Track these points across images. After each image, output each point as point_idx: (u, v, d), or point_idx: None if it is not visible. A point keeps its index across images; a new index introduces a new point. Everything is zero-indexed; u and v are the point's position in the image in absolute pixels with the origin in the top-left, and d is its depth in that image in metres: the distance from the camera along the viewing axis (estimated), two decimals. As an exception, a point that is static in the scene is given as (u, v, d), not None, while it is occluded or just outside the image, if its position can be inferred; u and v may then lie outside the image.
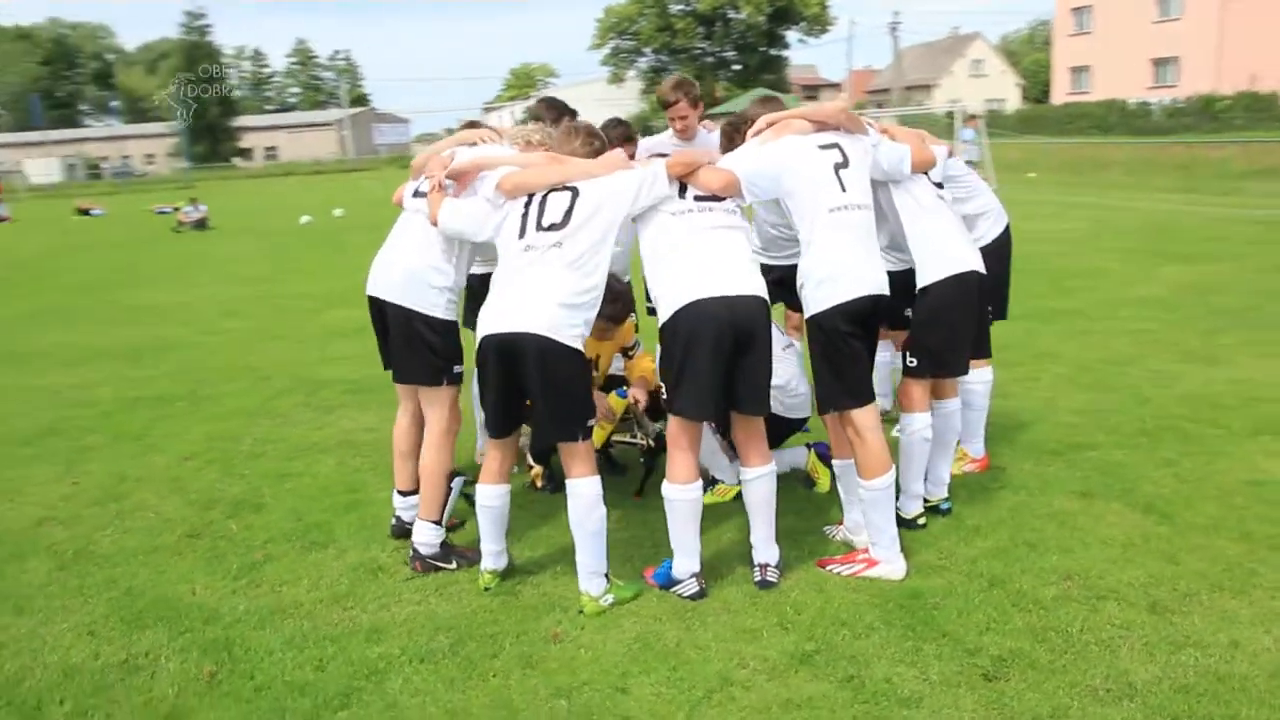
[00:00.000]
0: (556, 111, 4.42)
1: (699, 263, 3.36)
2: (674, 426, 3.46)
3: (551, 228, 3.33)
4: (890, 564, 3.58)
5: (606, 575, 3.49)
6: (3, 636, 3.41)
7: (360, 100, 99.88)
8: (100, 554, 4.05)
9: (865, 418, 3.54)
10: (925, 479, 4.08)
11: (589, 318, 3.34)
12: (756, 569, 3.58)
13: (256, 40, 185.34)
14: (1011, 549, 3.78)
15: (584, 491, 3.38)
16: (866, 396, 3.55)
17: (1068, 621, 3.24)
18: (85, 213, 29.88)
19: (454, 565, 3.75)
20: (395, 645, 3.23)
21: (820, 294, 3.46)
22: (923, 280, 3.84)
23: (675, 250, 3.41)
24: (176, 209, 24.70)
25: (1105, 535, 3.88)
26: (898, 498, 3.95)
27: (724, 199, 3.50)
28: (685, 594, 3.48)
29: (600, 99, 63.57)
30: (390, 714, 2.87)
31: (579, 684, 2.97)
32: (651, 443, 4.42)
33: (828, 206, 3.49)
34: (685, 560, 3.51)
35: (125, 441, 5.67)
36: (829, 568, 3.65)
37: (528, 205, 3.42)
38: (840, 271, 3.46)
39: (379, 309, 3.79)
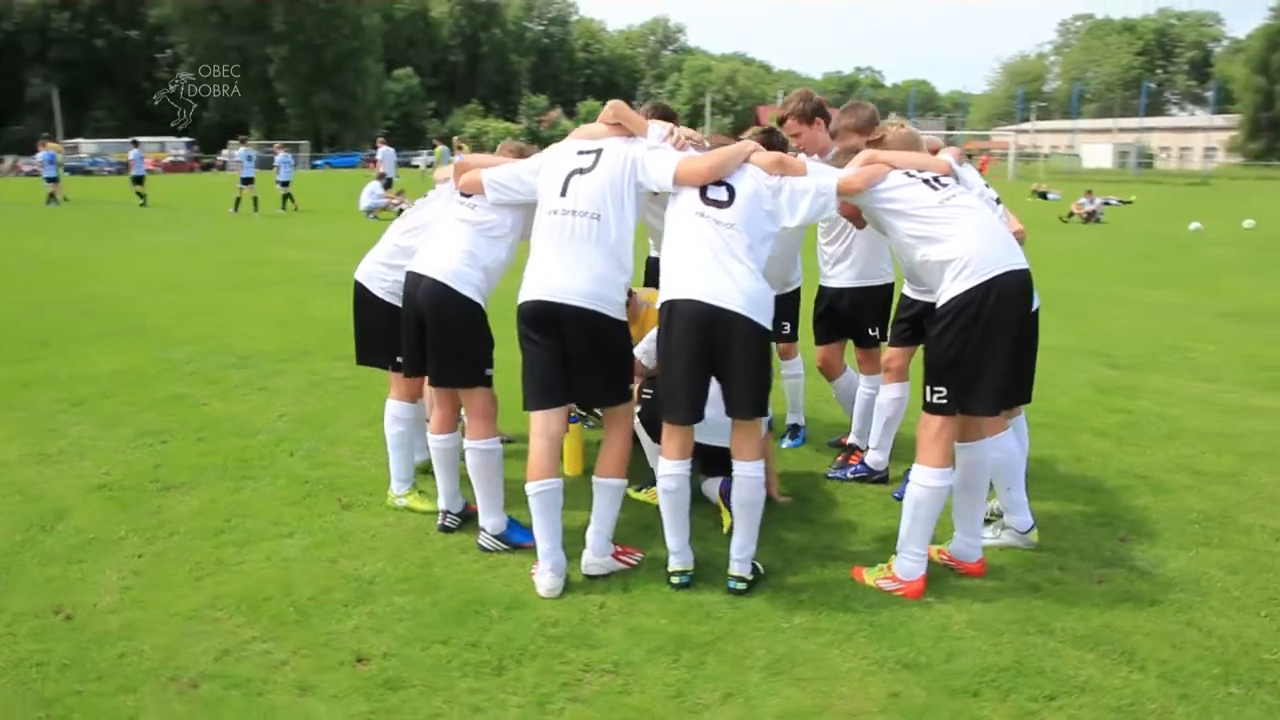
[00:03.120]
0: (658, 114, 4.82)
1: (427, 243, 3.95)
2: None
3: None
4: (539, 575, 3.60)
5: (414, 484, 4.38)
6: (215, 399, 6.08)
7: None
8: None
9: (534, 422, 3.64)
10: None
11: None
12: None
13: None
14: (670, 648, 3.30)
15: (388, 410, 4.35)
16: (539, 403, 3.61)
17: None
18: (1043, 195, 32.23)
19: None
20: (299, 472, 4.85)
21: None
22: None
23: None
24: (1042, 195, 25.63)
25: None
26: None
27: (471, 195, 3.88)
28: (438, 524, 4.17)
29: None
30: (202, 502, 4.56)
31: (282, 532, 4.17)
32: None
33: (546, 209, 3.62)
34: (440, 498, 4.16)
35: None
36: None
37: None
38: (532, 273, 3.60)
39: None
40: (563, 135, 4.49)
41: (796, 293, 5.30)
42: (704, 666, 3.11)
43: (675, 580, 3.63)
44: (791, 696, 2.94)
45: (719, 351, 3.39)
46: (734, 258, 3.40)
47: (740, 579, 3.59)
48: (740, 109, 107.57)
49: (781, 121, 4.72)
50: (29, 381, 6.49)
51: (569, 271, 3.51)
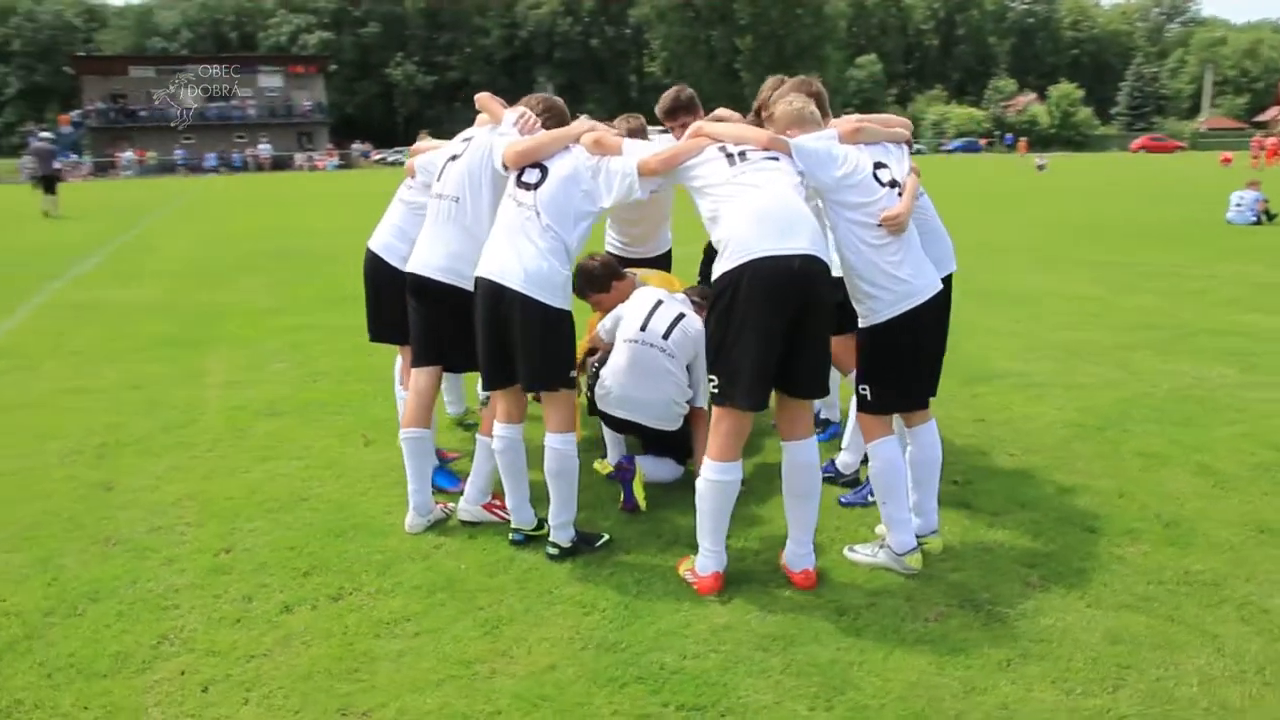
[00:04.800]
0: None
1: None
2: None
3: None
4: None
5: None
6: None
7: None
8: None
9: (410, 377, 4.14)
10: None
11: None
12: None
13: None
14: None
15: (397, 364, 5.06)
16: (414, 361, 4.10)
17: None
18: None
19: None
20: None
21: None
22: None
23: None
24: None
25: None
26: None
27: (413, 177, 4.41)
28: None
29: None
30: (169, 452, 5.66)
31: (296, 455, 5.14)
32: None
33: (430, 193, 4.07)
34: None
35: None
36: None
37: None
38: (415, 247, 4.08)
39: None
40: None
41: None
42: (442, 607, 3.41)
43: (511, 537, 3.91)
44: (467, 644, 3.15)
45: (505, 326, 3.60)
46: (526, 237, 3.57)
47: (555, 545, 3.77)
48: (1260, 86, 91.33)
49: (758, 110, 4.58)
50: (292, 328, 8.35)
51: (432, 248, 3.96)
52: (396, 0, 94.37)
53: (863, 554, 3.70)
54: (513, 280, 3.54)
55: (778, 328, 3.20)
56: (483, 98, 4.05)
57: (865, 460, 3.87)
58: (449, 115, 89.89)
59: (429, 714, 2.80)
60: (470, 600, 3.46)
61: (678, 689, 2.89)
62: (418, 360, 4.10)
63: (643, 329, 4.42)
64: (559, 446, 3.69)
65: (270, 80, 69.30)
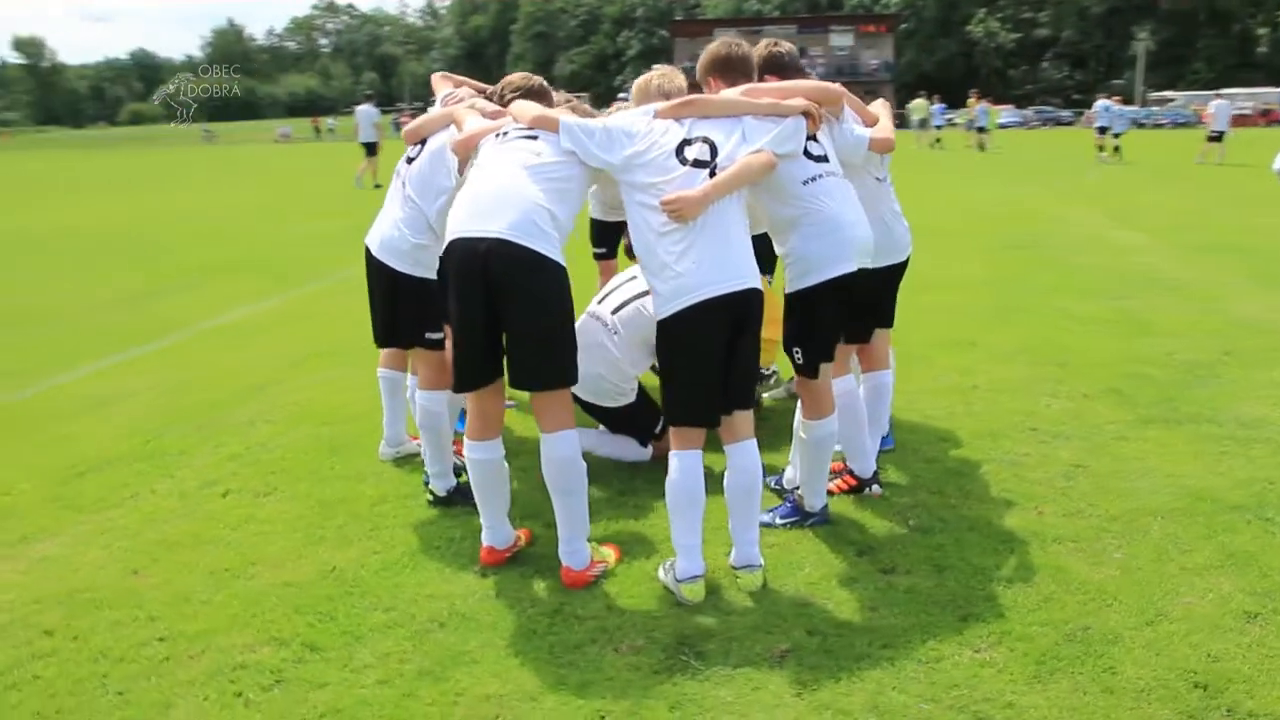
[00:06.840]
0: None
1: None
2: None
3: None
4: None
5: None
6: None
7: None
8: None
9: None
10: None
11: None
12: None
13: None
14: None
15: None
16: None
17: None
18: None
19: None
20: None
21: None
22: None
23: None
24: None
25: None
26: None
27: None
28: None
29: None
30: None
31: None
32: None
33: None
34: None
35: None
36: None
37: None
38: None
39: None
40: None
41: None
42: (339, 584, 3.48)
43: (428, 498, 4.18)
44: (293, 582, 3.42)
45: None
46: (394, 205, 3.87)
47: (431, 493, 4.05)
48: None
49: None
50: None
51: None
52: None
53: (662, 571, 3.40)
54: (373, 245, 3.90)
55: (476, 313, 3.14)
56: (435, 77, 4.33)
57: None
58: (1032, 75, 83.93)
59: (224, 649, 3.03)
60: (365, 592, 3.46)
61: (324, 630, 3.07)
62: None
63: (599, 301, 4.41)
64: (423, 403, 3.95)
65: (841, 39, 71.63)
